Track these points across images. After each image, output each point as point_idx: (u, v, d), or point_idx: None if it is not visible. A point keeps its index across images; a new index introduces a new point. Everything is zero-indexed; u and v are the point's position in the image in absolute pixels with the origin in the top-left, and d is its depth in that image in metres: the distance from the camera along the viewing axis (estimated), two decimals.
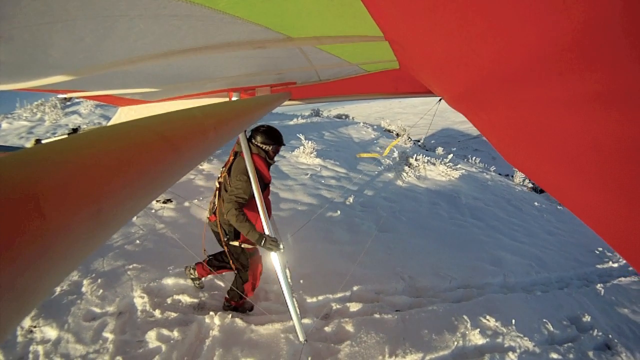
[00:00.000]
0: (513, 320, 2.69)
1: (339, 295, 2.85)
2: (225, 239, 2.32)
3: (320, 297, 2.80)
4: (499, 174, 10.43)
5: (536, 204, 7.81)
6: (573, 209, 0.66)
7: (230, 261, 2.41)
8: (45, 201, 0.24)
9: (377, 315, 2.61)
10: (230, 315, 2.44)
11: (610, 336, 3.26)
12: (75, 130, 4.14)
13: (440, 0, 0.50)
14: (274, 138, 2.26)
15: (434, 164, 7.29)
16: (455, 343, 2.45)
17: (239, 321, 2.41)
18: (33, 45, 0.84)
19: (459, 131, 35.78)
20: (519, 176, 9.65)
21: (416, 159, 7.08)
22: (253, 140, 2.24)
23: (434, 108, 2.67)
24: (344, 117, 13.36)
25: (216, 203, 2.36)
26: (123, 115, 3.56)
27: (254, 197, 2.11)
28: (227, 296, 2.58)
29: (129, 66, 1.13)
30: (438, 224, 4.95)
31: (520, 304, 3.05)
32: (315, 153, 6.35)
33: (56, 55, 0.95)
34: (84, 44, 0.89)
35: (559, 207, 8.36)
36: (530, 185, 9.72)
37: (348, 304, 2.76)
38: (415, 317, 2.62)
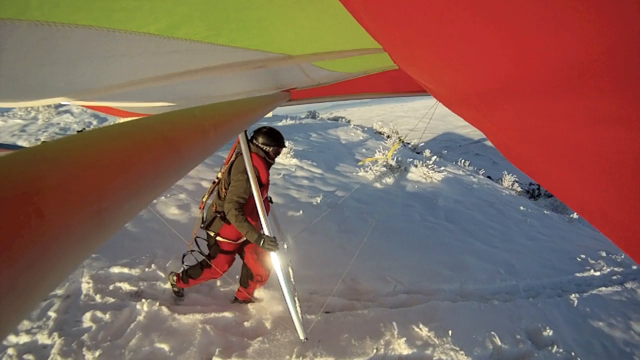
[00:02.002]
0: (450, 331, 2.38)
1: (271, 292, 2.69)
2: (202, 225, 2.31)
3: (269, 298, 2.67)
4: (488, 177, 9.97)
5: (522, 208, 7.36)
6: (581, 212, 0.64)
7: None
8: (45, 201, 0.23)
9: (309, 317, 2.45)
10: (158, 303, 2.47)
11: (573, 353, 2.89)
12: (81, 132, 4.10)
13: (443, 16, 0.46)
14: (275, 139, 2.23)
15: (416, 166, 6.96)
16: (375, 351, 2.20)
17: (165, 309, 2.44)
18: (35, 80, 0.85)
19: (460, 135, 34.86)
20: (507, 180, 9.18)
21: (397, 161, 6.76)
22: (254, 141, 2.21)
23: (433, 112, 2.63)
24: (341, 119, 13.02)
25: (207, 195, 2.39)
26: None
27: (252, 197, 2.07)
28: (179, 273, 2.53)
29: (129, 88, 1.12)
30: (406, 226, 4.64)
31: (468, 314, 2.72)
32: (292, 153, 6.12)
33: (58, 85, 0.97)
34: (85, 78, 0.91)
35: (545, 212, 7.88)
36: (520, 189, 9.23)
37: (284, 307, 2.54)
38: (340, 319, 2.40)
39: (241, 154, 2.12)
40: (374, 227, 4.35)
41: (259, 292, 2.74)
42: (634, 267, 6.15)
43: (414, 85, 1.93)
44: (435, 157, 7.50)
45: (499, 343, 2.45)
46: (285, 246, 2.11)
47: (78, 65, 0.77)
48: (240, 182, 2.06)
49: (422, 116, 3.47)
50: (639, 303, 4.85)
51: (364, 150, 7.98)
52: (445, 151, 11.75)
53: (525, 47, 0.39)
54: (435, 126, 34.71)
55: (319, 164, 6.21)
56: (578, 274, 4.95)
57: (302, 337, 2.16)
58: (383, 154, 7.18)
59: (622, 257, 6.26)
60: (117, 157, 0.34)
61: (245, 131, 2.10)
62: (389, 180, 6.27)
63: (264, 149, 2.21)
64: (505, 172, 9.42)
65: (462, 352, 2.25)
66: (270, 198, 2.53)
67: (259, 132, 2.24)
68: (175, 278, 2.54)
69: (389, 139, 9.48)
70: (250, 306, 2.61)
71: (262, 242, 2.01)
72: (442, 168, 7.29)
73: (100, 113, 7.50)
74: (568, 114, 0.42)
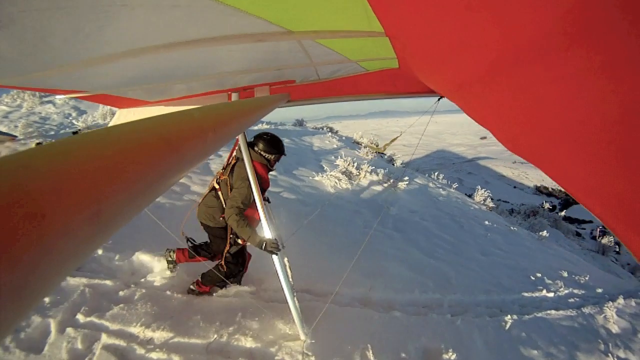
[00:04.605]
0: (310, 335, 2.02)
1: (167, 275, 2.71)
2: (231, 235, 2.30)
3: (153, 275, 2.75)
4: (468, 195, 9.43)
5: (487, 222, 6.84)
6: (581, 197, 0.61)
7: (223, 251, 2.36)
8: (44, 203, 0.22)
9: (168, 292, 2.46)
10: None
11: None
12: (75, 133, 3.95)
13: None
14: (276, 147, 2.19)
15: (377, 174, 6.57)
16: (216, 336, 2.06)
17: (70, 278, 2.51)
18: (33, 33, 0.78)
19: (454, 153, 34.08)
20: (479, 195, 8.65)
21: (357, 168, 6.40)
22: (255, 148, 2.16)
23: (427, 128, 2.56)
24: (322, 128, 12.64)
25: (205, 196, 2.36)
26: (122, 117, 3.37)
27: (253, 201, 2.04)
28: (199, 279, 2.51)
29: (129, 59, 1.06)
30: (344, 230, 4.24)
31: (350, 321, 2.31)
32: None
33: (56, 45, 0.89)
34: (83, 34, 0.84)
35: (513, 228, 7.32)
36: (492, 204, 8.67)
37: (161, 282, 2.63)
38: (204, 302, 2.35)
39: (242, 159, 2.05)
40: (305, 227, 3.98)
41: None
42: (599, 290, 5.54)
43: (414, 85, 1.85)
44: (401, 165, 7.09)
45: (371, 357, 2.02)
46: (282, 246, 2.12)
47: (78, 14, 0.72)
48: (242, 188, 2.02)
49: (418, 132, 3.28)
50: (594, 331, 4.26)
51: (332, 157, 7.63)
52: (427, 166, 11.29)
53: (509, 16, 0.41)
54: (430, 143, 34.07)
55: (276, 167, 5.91)
56: (526, 294, 4.41)
57: (302, 337, 2.07)
58: (379, 145, 6.84)
59: (587, 278, 5.65)
60: (116, 159, 0.32)
61: (244, 132, 2.00)
62: (345, 185, 5.89)
63: (266, 156, 2.15)
64: (479, 187, 8.91)
65: (312, 358, 1.92)
66: (268, 198, 2.47)
67: (259, 138, 2.16)
68: (193, 287, 2.51)
69: (365, 149, 9.12)
70: (134, 284, 2.59)
71: (264, 245, 1.97)
72: (406, 178, 6.87)
73: (80, 106, 7.44)
74: (558, 79, 0.42)
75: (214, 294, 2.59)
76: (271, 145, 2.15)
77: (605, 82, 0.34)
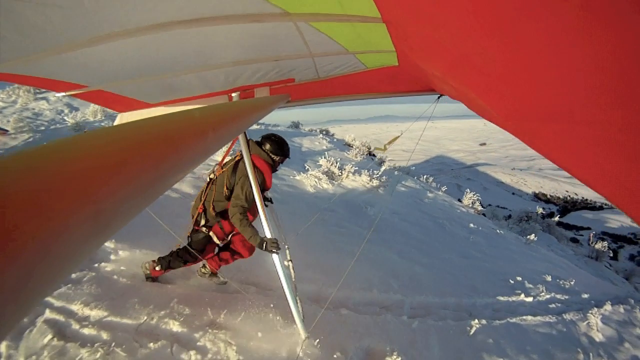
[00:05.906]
0: (239, 324, 2.06)
1: (121, 262, 2.76)
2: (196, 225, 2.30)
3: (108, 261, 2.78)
4: (456, 199, 9.20)
5: (472, 225, 6.62)
6: (578, 173, 0.62)
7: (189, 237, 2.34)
8: (45, 202, 0.22)
9: (115, 277, 2.50)
10: None
11: None
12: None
13: None
14: (283, 150, 2.23)
15: (360, 175, 6.44)
16: (146, 318, 2.12)
17: None
18: (31, 6, 0.77)
19: (453, 159, 33.69)
20: (468, 198, 8.42)
21: (340, 168, 6.28)
22: (263, 147, 2.20)
23: (426, 134, 2.70)
24: (317, 131, 12.54)
25: (202, 193, 2.33)
26: (124, 120, 3.39)
27: (254, 199, 2.05)
28: (155, 260, 2.45)
29: (126, 39, 1.05)
30: (314, 229, 4.11)
31: (286, 317, 2.20)
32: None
33: (55, 19, 0.86)
34: (82, 7, 0.82)
35: (499, 231, 7.08)
36: (480, 207, 8.43)
37: (112, 268, 2.68)
38: (144, 288, 2.37)
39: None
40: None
41: None
42: (585, 296, 5.27)
43: (414, 84, 1.87)
44: (389, 167, 6.95)
45: (300, 354, 1.89)
46: (286, 246, 2.12)
47: None
48: (247, 186, 2.02)
49: (417, 137, 3.22)
50: (574, 339, 4.02)
51: (318, 158, 7.52)
52: (414, 167, 11.10)
53: None
54: (429, 149, 33.79)
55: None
56: (502, 298, 4.20)
57: (303, 335, 2.05)
58: (384, 145, 6.75)
59: (572, 283, 5.39)
60: (116, 158, 0.31)
61: (245, 132, 2.03)
62: (326, 185, 5.77)
63: (272, 157, 2.18)
64: (468, 190, 8.69)
65: (234, 347, 1.88)
66: (270, 198, 2.45)
67: (268, 139, 2.21)
68: (146, 270, 2.47)
69: (355, 150, 9.00)
70: (88, 268, 2.60)
71: (264, 245, 1.97)
72: (384, 177, 6.71)
73: (73, 104, 7.50)
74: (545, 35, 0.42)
75: (161, 281, 2.55)
76: (279, 147, 2.20)
77: (592, 28, 0.33)
